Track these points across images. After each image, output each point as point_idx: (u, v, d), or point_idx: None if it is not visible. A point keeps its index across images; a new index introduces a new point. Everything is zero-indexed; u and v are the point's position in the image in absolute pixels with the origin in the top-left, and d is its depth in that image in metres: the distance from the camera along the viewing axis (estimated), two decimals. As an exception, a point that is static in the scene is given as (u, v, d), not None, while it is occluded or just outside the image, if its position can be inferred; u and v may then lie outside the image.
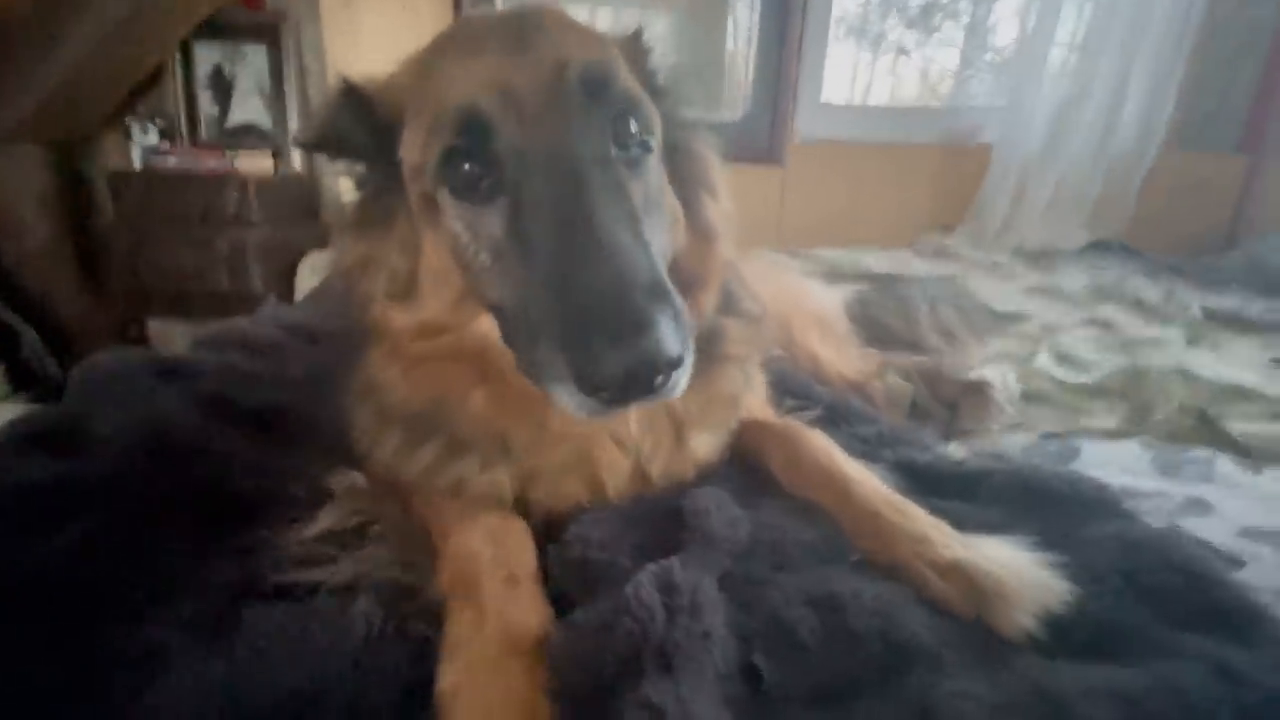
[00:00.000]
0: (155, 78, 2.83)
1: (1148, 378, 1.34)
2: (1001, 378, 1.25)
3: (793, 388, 1.08)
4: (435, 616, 0.59)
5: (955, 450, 0.99)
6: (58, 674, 0.51)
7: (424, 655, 0.55)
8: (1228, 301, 2.06)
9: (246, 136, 2.89)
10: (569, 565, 0.64)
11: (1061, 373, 1.43)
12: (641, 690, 0.45)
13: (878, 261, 2.48)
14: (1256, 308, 2.00)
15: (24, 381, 2.38)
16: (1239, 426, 1.14)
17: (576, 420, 0.57)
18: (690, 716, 0.43)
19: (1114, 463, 1.00)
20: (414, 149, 0.65)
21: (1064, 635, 0.56)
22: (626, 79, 0.66)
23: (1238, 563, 0.71)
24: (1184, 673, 0.50)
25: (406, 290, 0.69)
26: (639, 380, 0.51)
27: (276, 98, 2.87)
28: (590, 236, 0.55)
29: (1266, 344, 1.73)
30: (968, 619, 0.59)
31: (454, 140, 0.61)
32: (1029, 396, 1.30)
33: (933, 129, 3.16)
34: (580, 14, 0.85)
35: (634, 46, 0.74)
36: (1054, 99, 2.88)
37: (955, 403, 1.23)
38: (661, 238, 0.67)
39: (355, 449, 0.79)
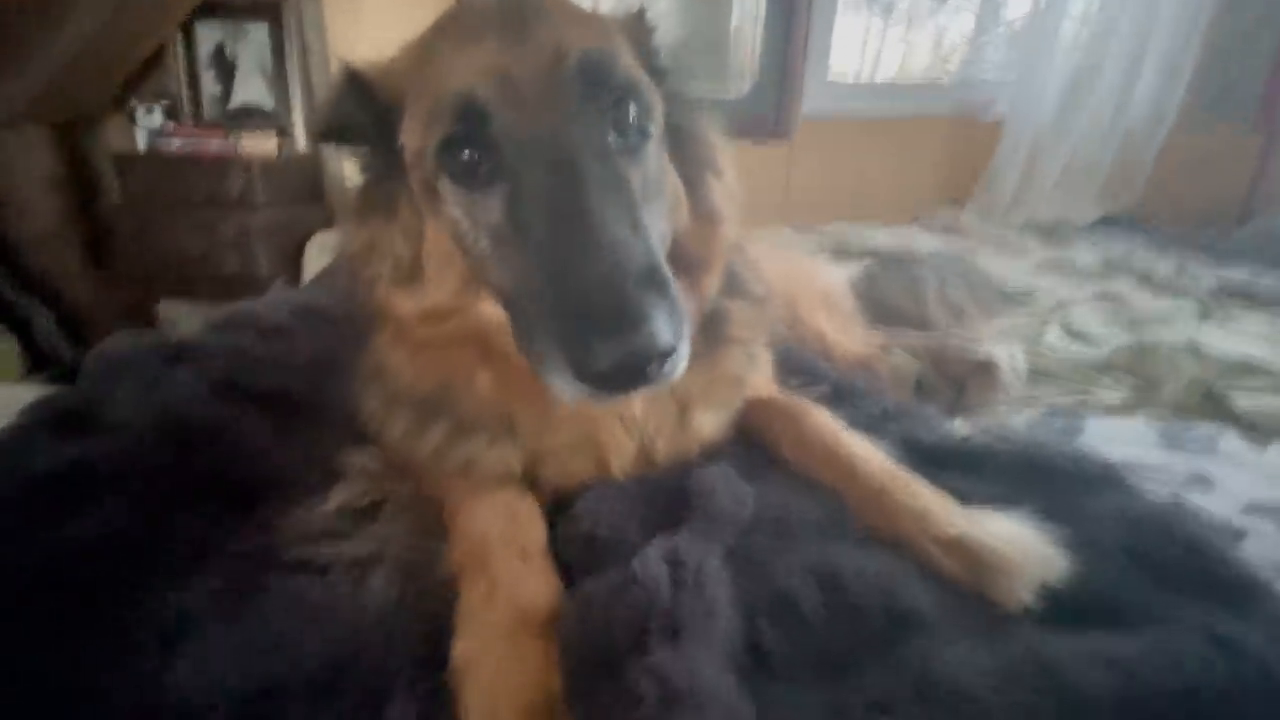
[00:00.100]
0: (157, 58, 2.81)
1: (1156, 353, 1.34)
2: (1009, 355, 1.24)
3: (798, 366, 1.09)
4: (449, 590, 0.61)
5: (960, 427, 0.99)
6: (91, 645, 0.54)
7: (438, 627, 0.57)
8: (1239, 276, 2.04)
9: (250, 117, 2.88)
10: (577, 540, 0.66)
11: (1070, 348, 1.42)
12: (649, 658, 0.46)
13: (885, 238, 2.46)
14: (1268, 281, 1.98)
15: (38, 363, 2.42)
16: (1247, 401, 1.14)
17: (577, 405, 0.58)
18: (696, 683, 0.44)
19: (1119, 438, 1.00)
20: (414, 135, 0.66)
21: (1063, 606, 0.57)
22: (626, 65, 0.66)
23: (1238, 536, 0.72)
24: (1179, 642, 0.51)
25: (410, 275, 0.70)
26: (632, 371, 0.51)
27: (279, 77, 2.85)
28: (585, 227, 0.55)
29: (1278, 318, 1.71)
30: (969, 591, 0.60)
31: (452, 127, 0.62)
32: (1036, 373, 1.30)
33: (942, 104, 3.11)
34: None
35: (636, 27, 0.73)
36: (1066, 73, 2.82)
37: (962, 381, 1.23)
38: (661, 224, 0.67)
39: (365, 430, 0.81)
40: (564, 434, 0.75)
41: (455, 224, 0.65)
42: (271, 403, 0.94)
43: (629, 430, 0.77)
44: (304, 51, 2.82)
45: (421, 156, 0.65)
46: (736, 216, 0.78)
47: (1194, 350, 1.33)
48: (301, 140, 2.90)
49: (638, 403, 0.76)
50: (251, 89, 2.88)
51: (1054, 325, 1.54)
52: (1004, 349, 1.26)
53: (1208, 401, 1.11)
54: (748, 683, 0.49)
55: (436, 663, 0.54)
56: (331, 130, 0.72)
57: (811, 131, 3.03)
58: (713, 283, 0.77)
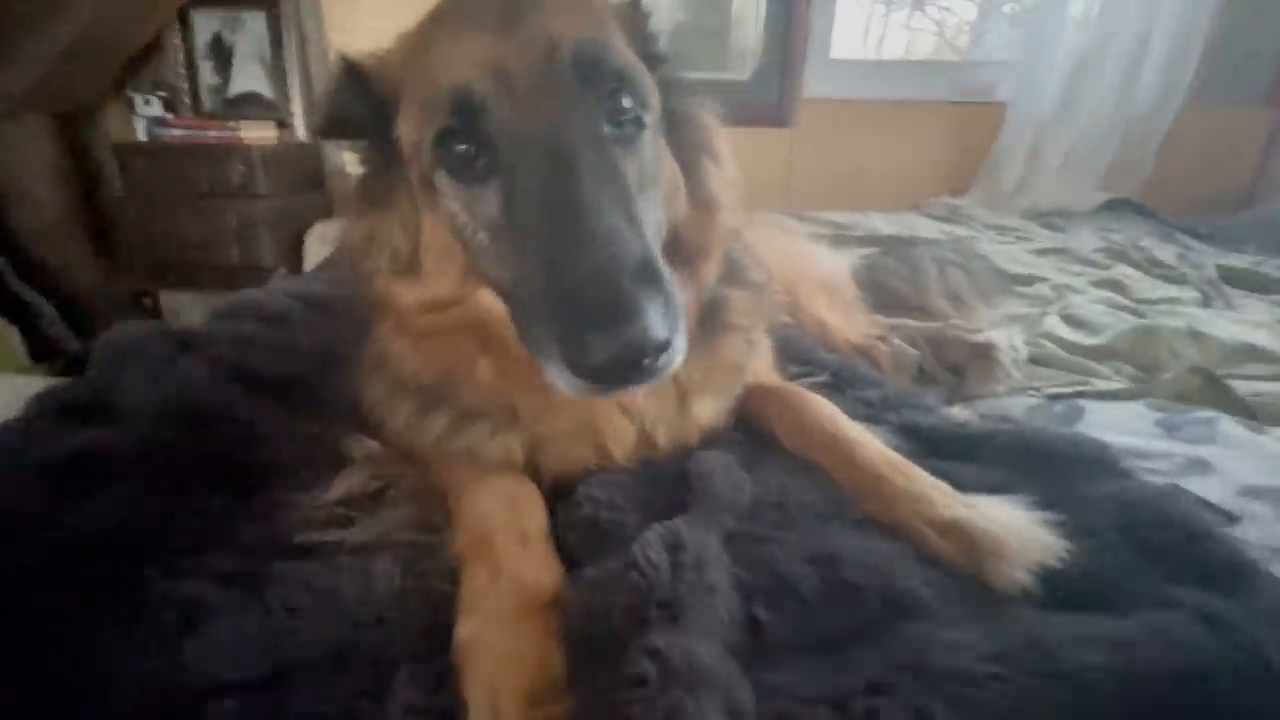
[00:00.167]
0: (155, 47, 2.80)
1: (1156, 339, 1.34)
2: (1008, 341, 1.25)
3: (798, 354, 1.09)
4: (452, 574, 0.62)
5: (959, 413, 1.00)
6: (101, 632, 0.55)
7: (444, 610, 0.58)
8: (1242, 263, 2.03)
9: (249, 106, 2.87)
10: (579, 525, 0.67)
11: (1070, 334, 1.42)
12: (648, 641, 0.47)
13: (887, 224, 2.45)
14: (1272, 266, 1.97)
15: (42, 353, 2.44)
16: (1247, 387, 1.14)
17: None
18: (694, 662, 0.45)
19: (1118, 424, 1.01)
20: (411, 128, 0.66)
21: (1060, 590, 0.58)
22: (621, 53, 0.65)
23: (1233, 519, 0.72)
24: (1174, 623, 0.52)
25: (410, 266, 0.70)
26: (626, 366, 0.52)
27: (277, 66, 2.84)
28: (580, 221, 0.55)
29: (1279, 306, 1.71)
30: (966, 575, 0.61)
31: (448, 121, 0.62)
32: (1036, 359, 1.30)
33: (946, 84, 3.08)
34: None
35: (631, 12, 0.72)
36: (1073, 53, 2.79)
37: (962, 367, 1.24)
38: (657, 214, 0.67)
39: (369, 419, 0.82)
40: (565, 421, 0.76)
41: (453, 217, 0.65)
42: (277, 390, 0.94)
43: (629, 417, 0.78)
44: (302, 40, 2.81)
45: (418, 150, 0.65)
46: (735, 203, 0.78)
47: (1194, 337, 1.33)
48: (301, 129, 2.90)
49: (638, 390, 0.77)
50: (250, 78, 2.87)
51: (1054, 313, 1.54)
52: (1004, 336, 1.26)
53: (1207, 388, 1.11)
54: (746, 664, 0.50)
55: (440, 645, 0.55)
56: (331, 124, 0.72)
57: (814, 117, 3.01)
58: (711, 270, 0.77)
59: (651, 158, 0.67)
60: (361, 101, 0.69)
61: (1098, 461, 0.76)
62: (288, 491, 0.73)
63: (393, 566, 0.62)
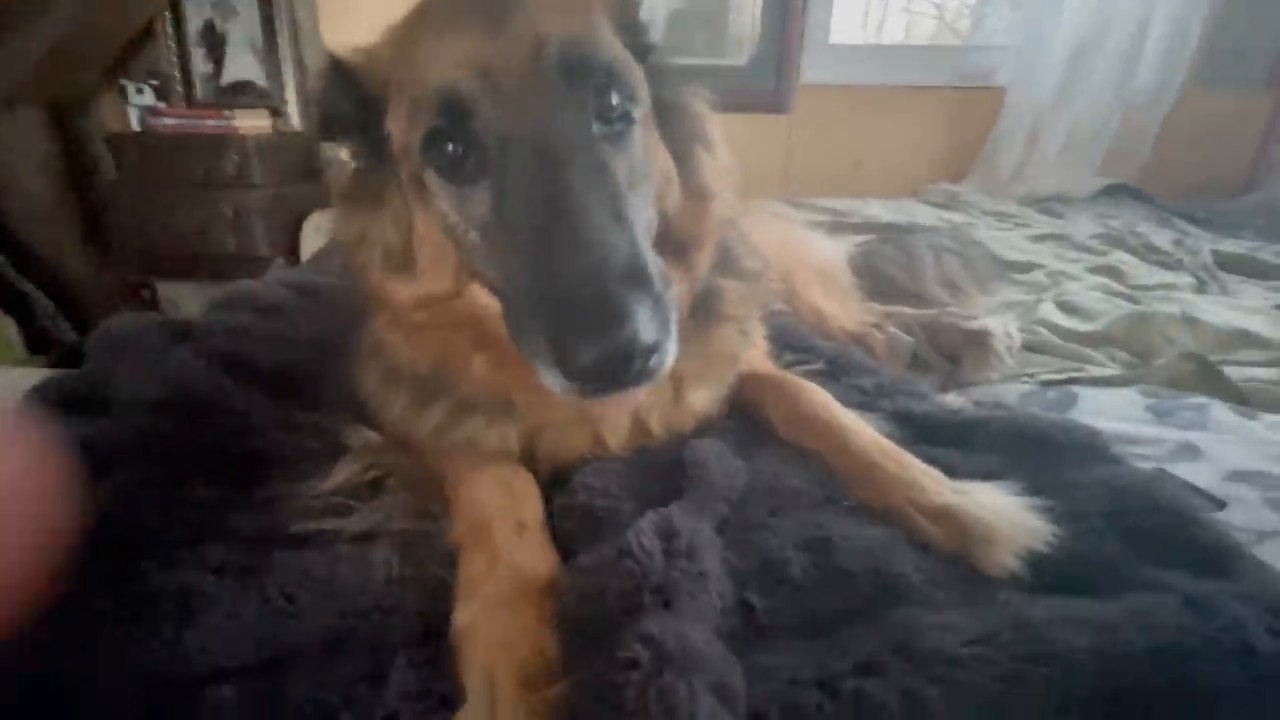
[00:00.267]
0: (146, 35, 2.77)
1: (1151, 324, 1.34)
2: (1003, 328, 1.25)
3: (794, 342, 1.10)
4: (450, 561, 0.63)
5: (953, 400, 1.00)
6: (100, 620, 0.55)
7: (441, 597, 0.59)
8: (1240, 246, 2.03)
9: (242, 95, 2.85)
10: (574, 512, 0.68)
11: (1065, 321, 1.43)
12: (641, 624, 0.48)
13: (885, 211, 2.45)
14: (1269, 252, 1.97)
15: (39, 345, 2.44)
16: (1240, 372, 1.15)
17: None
18: (686, 646, 0.46)
19: (1110, 410, 1.01)
20: (399, 127, 0.65)
21: (1048, 574, 0.59)
22: (609, 49, 0.65)
23: (1219, 503, 0.73)
24: (1156, 605, 0.53)
25: (403, 263, 0.70)
26: (615, 370, 0.51)
27: (270, 53, 2.81)
28: (568, 223, 0.55)
29: (1278, 289, 1.71)
30: (957, 560, 0.62)
31: (435, 122, 0.61)
32: (1031, 345, 1.31)
33: (945, 70, 3.05)
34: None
35: (621, 1, 0.71)
36: (1072, 36, 2.77)
37: (957, 354, 1.25)
38: (647, 209, 0.66)
39: (366, 408, 0.82)
40: (560, 411, 0.76)
41: (444, 216, 0.65)
42: (273, 380, 0.95)
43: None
44: (295, 27, 2.78)
45: (407, 149, 0.65)
46: (730, 192, 0.78)
47: (1188, 323, 1.34)
48: (295, 118, 2.88)
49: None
50: (242, 66, 2.85)
51: (1049, 299, 1.54)
52: (998, 323, 1.27)
53: (1200, 374, 1.12)
54: (738, 647, 0.51)
55: (438, 631, 0.56)
56: (325, 124, 0.71)
57: (812, 103, 2.99)
58: (704, 260, 0.77)
59: (641, 152, 0.66)
60: (350, 99, 0.69)
61: (1088, 448, 0.77)
62: (285, 481, 0.73)
63: (391, 554, 0.62)
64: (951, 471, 0.70)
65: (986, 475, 0.70)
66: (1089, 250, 2.02)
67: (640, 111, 0.66)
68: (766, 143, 3.02)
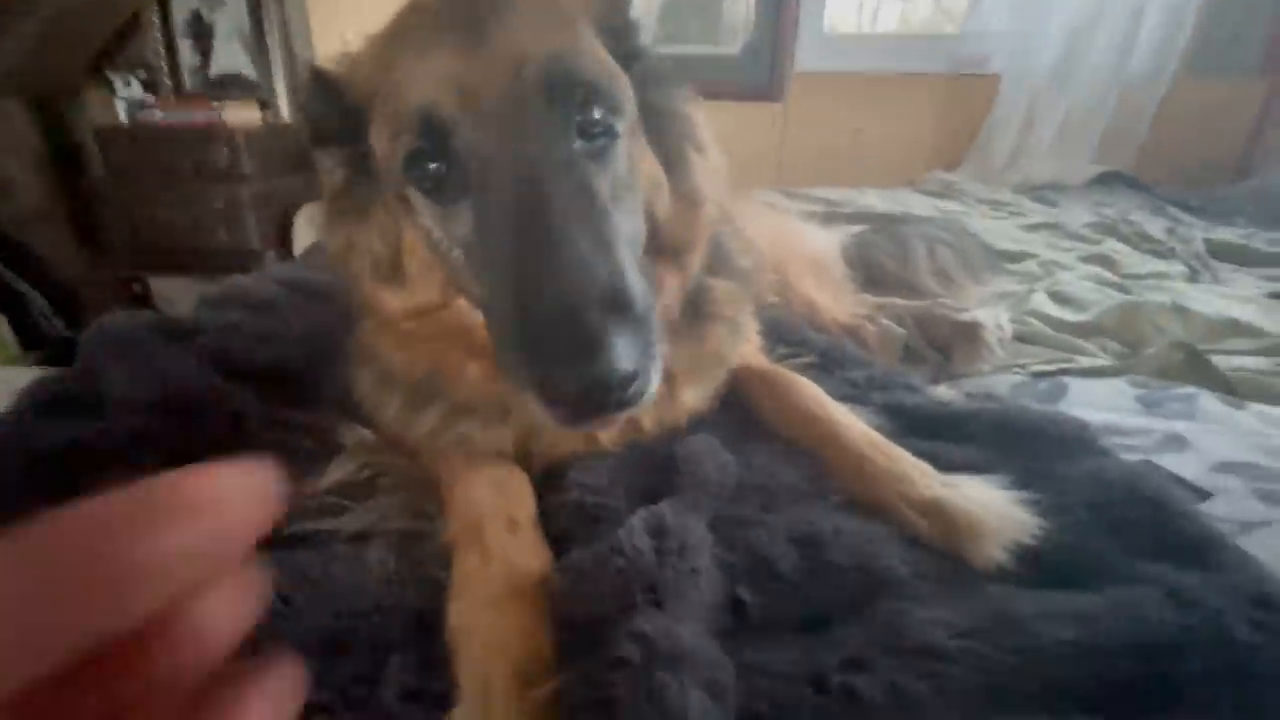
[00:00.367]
0: (133, 26, 2.74)
1: (1141, 314, 1.35)
2: (994, 319, 1.26)
3: (786, 335, 1.10)
4: (446, 560, 0.63)
5: (944, 392, 1.01)
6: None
7: (435, 595, 0.59)
8: (1233, 234, 2.04)
9: (231, 86, 2.82)
10: (566, 510, 0.68)
11: (1057, 311, 1.43)
12: (633, 622, 0.48)
13: (879, 200, 2.44)
14: (1262, 240, 1.98)
15: (33, 342, 2.43)
16: (1229, 362, 1.16)
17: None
18: (677, 644, 0.47)
19: (1100, 400, 1.02)
20: (382, 143, 0.65)
21: (1035, 567, 0.60)
22: (592, 64, 0.63)
23: (1204, 494, 0.74)
24: (1140, 597, 0.54)
25: (392, 274, 0.70)
26: (593, 400, 0.51)
27: (258, 44, 2.78)
28: (548, 247, 0.54)
29: (1269, 277, 1.72)
30: (944, 553, 0.63)
31: (416, 142, 0.61)
32: (1023, 336, 1.31)
33: (939, 58, 3.04)
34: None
35: (609, 4, 0.70)
36: (1066, 23, 2.76)
37: (948, 345, 1.25)
38: (634, 221, 0.66)
39: (360, 408, 0.82)
40: None
41: (428, 233, 0.65)
42: (266, 379, 0.95)
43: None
44: (283, 17, 2.75)
45: (390, 166, 0.64)
46: (720, 193, 0.77)
47: (1178, 312, 1.34)
48: (285, 110, 2.85)
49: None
50: (231, 57, 2.82)
51: (1041, 289, 1.55)
52: (990, 314, 1.27)
53: (1189, 363, 1.12)
54: (729, 643, 0.52)
55: (433, 630, 0.56)
56: (315, 134, 0.71)
57: (806, 92, 2.98)
58: (695, 262, 0.77)
59: (626, 164, 0.65)
60: (334, 111, 0.68)
61: (1077, 440, 0.77)
62: (279, 481, 0.73)
63: (386, 554, 0.63)
64: (941, 464, 0.71)
65: (976, 468, 0.70)
66: (1082, 239, 2.02)
67: (625, 123, 0.65)
68: (760, 132, 3.00)
